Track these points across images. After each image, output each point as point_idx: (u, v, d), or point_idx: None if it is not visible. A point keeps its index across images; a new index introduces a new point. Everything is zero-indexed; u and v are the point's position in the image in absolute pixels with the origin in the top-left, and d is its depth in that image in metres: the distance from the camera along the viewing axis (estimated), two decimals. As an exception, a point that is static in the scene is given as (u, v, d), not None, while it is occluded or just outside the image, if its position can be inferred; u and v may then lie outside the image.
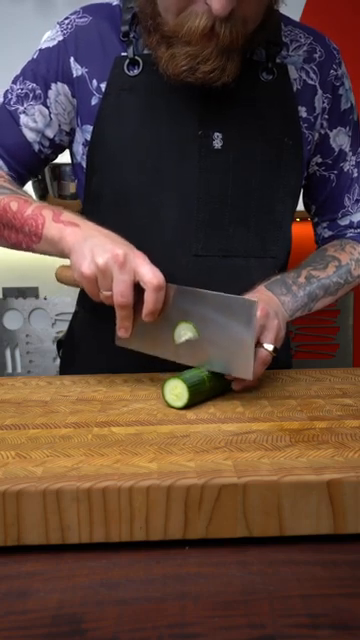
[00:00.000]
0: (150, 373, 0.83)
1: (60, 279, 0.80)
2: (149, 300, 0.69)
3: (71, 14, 0.87)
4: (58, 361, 2.34)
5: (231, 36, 0.72)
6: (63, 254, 0.74)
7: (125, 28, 0.83)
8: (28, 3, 2.22)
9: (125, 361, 0.81)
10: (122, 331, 0.73)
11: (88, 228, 0.73)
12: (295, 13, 0.83)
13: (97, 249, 0.69)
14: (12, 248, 0.83)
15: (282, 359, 0.84)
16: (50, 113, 0.86)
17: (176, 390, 0.68)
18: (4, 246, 0.84)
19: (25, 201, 0.78)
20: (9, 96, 0.87)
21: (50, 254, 0.77)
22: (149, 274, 0.68)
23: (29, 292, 2.37)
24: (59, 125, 0.87)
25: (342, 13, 2.11)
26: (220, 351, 0.70)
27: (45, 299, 2.35)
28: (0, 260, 2.25)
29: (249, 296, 0.77)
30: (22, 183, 0.91)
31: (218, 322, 0.69)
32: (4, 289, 2.37)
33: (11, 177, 0.88)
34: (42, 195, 1.99)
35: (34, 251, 0.79)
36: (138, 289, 0.70)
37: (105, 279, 0.69)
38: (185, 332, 0.72)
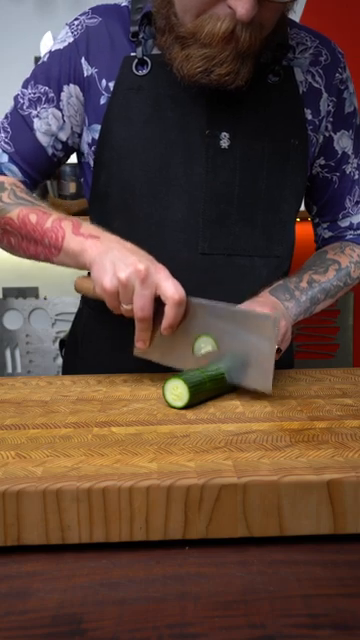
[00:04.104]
0: (150, 373, 0.83)
1: (79, 290, 0.80)
2: (169, 315, 0.70)
3: (80, 15, 0.87)
4: (58, 361, 2.35)
5: (250, 40, 0.72)
6: (84, 267, 0.75)
7: (134, 28, 0.83)
8: (28, 3, 2.22)
9: (130, 358, 0.81)
10: (140, 343, 0.74)
11: (109, 240, 0.74)
12: (295, 13, 0.83)
13: (119, 263, 0.70)
14: (30, 259, 0.83)
15: (285, 359, 0.85)
16: (63, 116, 0.86)
17: (177, 390, 0.68)
18: (22, 257, 0.84)
19: (44, 213, 0.78)
20: (21, 100, 0.87)
21: (69, 266, 0.78)
22: (171, 289, 0.69)
23: (29, 292, 2.37)
24: (71, 127, 0.88)
25: (342, 13, 2.11)
26: (239, 364, 0.71)
27: (45, 299, 2.35)
28: (0, 260, 2.25)
29: (255, 301, 0.78)
30: (34, 187, 0.92)
31: (238, 336, 0.70)
32: (4, 289, 2.37)
33: (24, 183, 0.88)
34: (42, 195, 2.00)
35: (53, 263, 0.79)
36: (158, 301, 0.70)
37: (126, 293, 0.70)
38: (205, 345, 0.72)
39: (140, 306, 0.70)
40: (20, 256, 0.84)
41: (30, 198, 0.82)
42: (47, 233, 0.77)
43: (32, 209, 0.79)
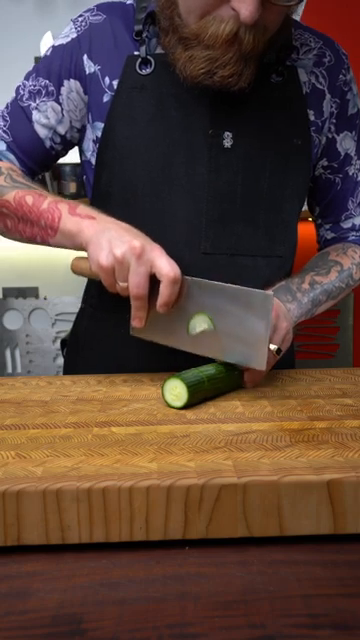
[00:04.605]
0: (150, 373, 0.83)
1: (75, 270, 0.81)
2: (164, 292, 0.70)
3: (85, 12, 0.88)
4: (58, 361, 2.35)
5: (254, 43, 0.72)
6: (80, 247, 0.75)
7: (138, 27, 0.83)
8: (28, 3, 2.22)
9: (132, 357, 0.81)
10: (136, 321, 0.74)
11: (105, 220, 0.75)
12: (297, 14, 0.83)
13: (115, 241, 0.70)
14: (26, 242, 0.84)
15: (286, 360, 0.85)
16: (62, 110, 0.87)
17: (175, 390, 0.68)
18: (18, 240, 0.85)
19: (40, 195, 0.79)
20: (21, 92, 0.88)
21: (65, 247, 0.78)
22: (166, 267, 0.69)
23: (29, 292, 2.37)
24: (70, 122, 0.88)
25: (342, 13, 2.11)
26: (234, 342, 0.71)
27: (45, 299, 2.35)
28: (0, 260, 2.25)
29: None
30: (32, 178, 0.92)
31: (233, 314, 0.70)
32: (4, 289, 2.37)
33: (23, 172, 0.89)
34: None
35: (49, 244, 0.80)
36: (153, 280, 0.71)
37: (122, 270, 0.70)
38: (200, 324, 0.73)
39: (135, 283, 0.70)
40: (16, 239, 0.85)
41: (26, 182, 0.83)
42: (43, 214, 0.77)
43: (28, 191, 0.80)
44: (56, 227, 0.76)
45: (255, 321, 0.69)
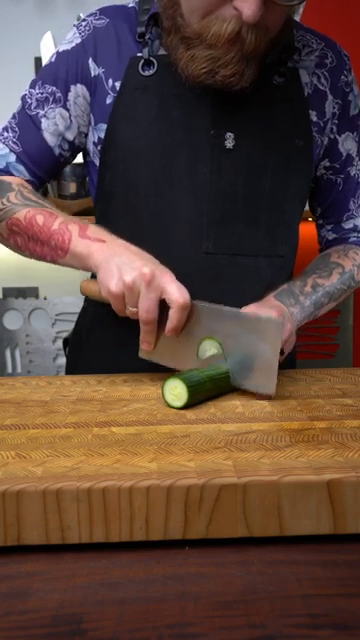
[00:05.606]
0: (150, 373, 0.83)
1: (85, 293, 0.82)
2: (174, 318, 0.71)
3: (88, 16, 0.88)
4: (58, 361, 2.35)
5: (255, 42, 0.72)
6: (90, 270, 0.76)
7: (141, 29, 0.83)
8: (28, 3, 2.22)
9: (134, 356, 0.81)
10: (145, 345, 0.75)
11: (115, 244, 0.75)
12: (296, 13, 0.83)
13: (124, 267, 0.71)
14: (37, 260, 0.84)
15: (288, 361, 0.85)
16: (70, 115, 0.87)
17: (176, 390, 0.68)
18: (28, 257, 0.86)
19: (50, 214, 0.79)
20: (28, 101, 0.87)
21: (75, 268, 0.79)
22: (176, 293, 0.70)
23: (29, 292, 2.37)
24: (78, 127, 0.88)
25: (342, 13, 2.11)
26: (244, 367, 0.71)
27: (45, 299, 2.35)
28: (0, 260, 2.25)
29: (261, 305, 0.78)
30: (40, 186, 0.92)
31: (242, 339, 0.71)
32: (4, 289, 2.37)
33: (32, 183, 0.89)
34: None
35: (59, 264, 0.81)
36: (162, 305, 0.71)
37: (132, 296, 0.71)
38: (210, 348, 0.73)
39: (145, 309, 0.71)
40: (26, 256, 0.86)
41: (37, 199, 0.83)
42: (54, 235, 0.78)
43: (39, 210, 0.80)
44: (66, 249, 0.77)
45: (264, 347, 0.69)
